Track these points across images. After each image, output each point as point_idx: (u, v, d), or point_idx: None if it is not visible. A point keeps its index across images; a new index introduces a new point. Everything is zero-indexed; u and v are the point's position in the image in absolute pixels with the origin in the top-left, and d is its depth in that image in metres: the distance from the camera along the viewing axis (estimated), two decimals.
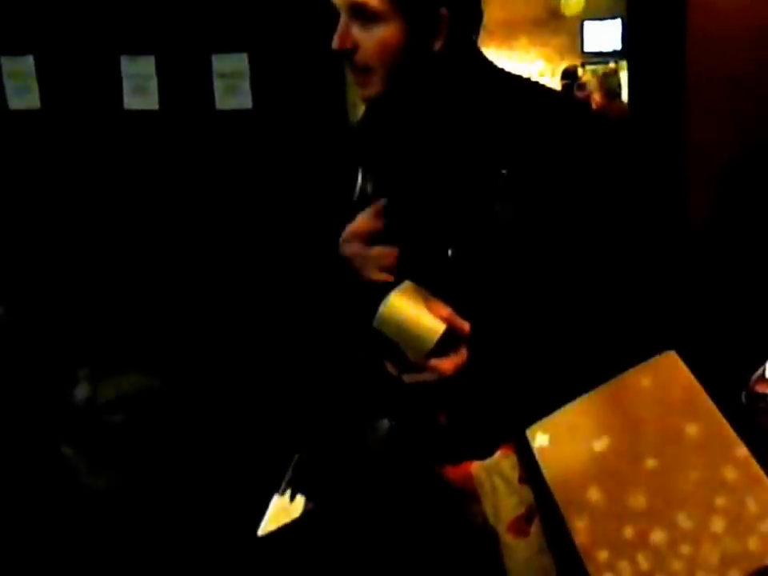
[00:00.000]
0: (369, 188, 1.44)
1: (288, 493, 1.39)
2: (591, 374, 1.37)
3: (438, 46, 1.34)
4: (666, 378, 1.13)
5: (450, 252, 1.36)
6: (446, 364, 1.28)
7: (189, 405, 1.85)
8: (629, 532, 1.02)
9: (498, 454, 1.31)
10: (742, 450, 1.00)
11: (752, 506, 0.94)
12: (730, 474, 0.99)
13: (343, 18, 1.31)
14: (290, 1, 2.97)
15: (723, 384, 2.11)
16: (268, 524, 1.40)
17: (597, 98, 7.02)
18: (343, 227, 1.46)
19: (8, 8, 3.26)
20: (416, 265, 1.39)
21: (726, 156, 2.53)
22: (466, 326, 1.30)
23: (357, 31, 1.31)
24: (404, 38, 1.32)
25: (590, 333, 1.37)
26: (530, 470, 1.30)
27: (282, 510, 1.37)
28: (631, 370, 1.20)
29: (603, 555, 1.04)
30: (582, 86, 7.12)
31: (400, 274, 1.39)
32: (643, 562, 0.99)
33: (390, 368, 1.34)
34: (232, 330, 3.02)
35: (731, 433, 1.04)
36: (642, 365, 1.19)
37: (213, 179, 3.17)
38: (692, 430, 1.02)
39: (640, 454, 1.08)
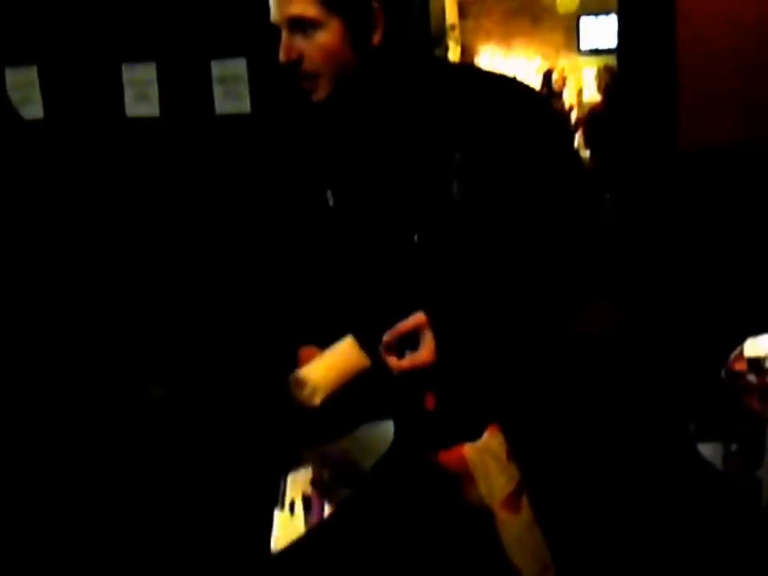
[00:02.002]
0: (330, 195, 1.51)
1: (287, 506, 1.41)
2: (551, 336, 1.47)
3: (376, 39, 1.41)
4: None
5: (415, 238, 1.43)
6: (405, 363, 1.35)
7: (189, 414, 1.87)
8: None
9: (486, 434, 1.36)
10: None
11: None
12: None
13: (284, 33, 1.39)
14: None
15: (704, 363, 2.18)
16: (278, 540, 1.41)
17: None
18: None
19: (12, 20, 3.28)
20: (383, 252, 1.47)
21: (718, 148, 2.57)
22: (421, 317, 1.36)
23: (299, 42, 1.37)
24: (344, 38, 1.39)
25: (545, 296, 1.43)
26: (515, 447, 1.37)
27: (287, 524, 1.38)
28: None
29: None
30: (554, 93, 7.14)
31: (367, 262, 1.49)
32: None
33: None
34: (230, 332, 3.04)
35: None
36: None
37: (213, 182, 3.20)
38: None
39: None
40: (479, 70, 1.57)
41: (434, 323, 1.36)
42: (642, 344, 2.70)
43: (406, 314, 1.39)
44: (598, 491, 1.66)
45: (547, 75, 7.36)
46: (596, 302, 1.50)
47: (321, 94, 1.43)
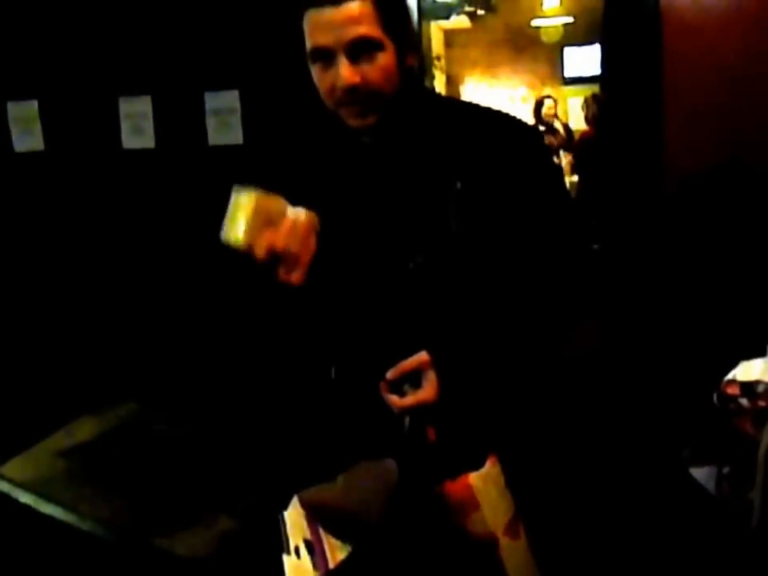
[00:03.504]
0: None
1: (293, 550, 1.36)
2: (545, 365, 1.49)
3: (411, 61, 1.45)
4: None
5: (411, 264, 1.44)
6: (408, 401, 1.36)
7: (191, 436, 1.85)
8: None
9: (488, 463, 1.36)
10: None
11: None
12: None
13: (341, 58, 1.36)
14: (279, 39, 3.03)
15: (696, 387, 2.20)
16: None
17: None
18: None
19: (14, 57, 3.33)
20: (380, 277, 1.47)
21: (703, 174, 2.60)
22: (424, 356, 1.36)
23: (361, 65, 1.37)
24: (396, 59, 1.41)
25: (538, 324, 1.45)
26: (511, 475, 1.38)
27: (297, 568, 1.33)
28: None
29: None
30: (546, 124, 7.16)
31: (363, 285, 1.48)
32: None
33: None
34: (224, 362, 3.05)
35: None
36: None
37: (206, 211, 3.19)
38: None
39: None
40: (469, 104, 1.61)
41: (437, 363, 1.36)
42: (633, 368, 2.72)
43: (402, 344, 1.40)
44: (592, 514, 1.68)
45: (538, 104, 7.39)
46: (587, 328, 1.54)
47: (373, 118, 1.42)
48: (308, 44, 1.41)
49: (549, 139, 7.13)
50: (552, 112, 7.22)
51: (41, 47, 3.31)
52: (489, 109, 1.54)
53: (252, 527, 1.48)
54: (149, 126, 3.27)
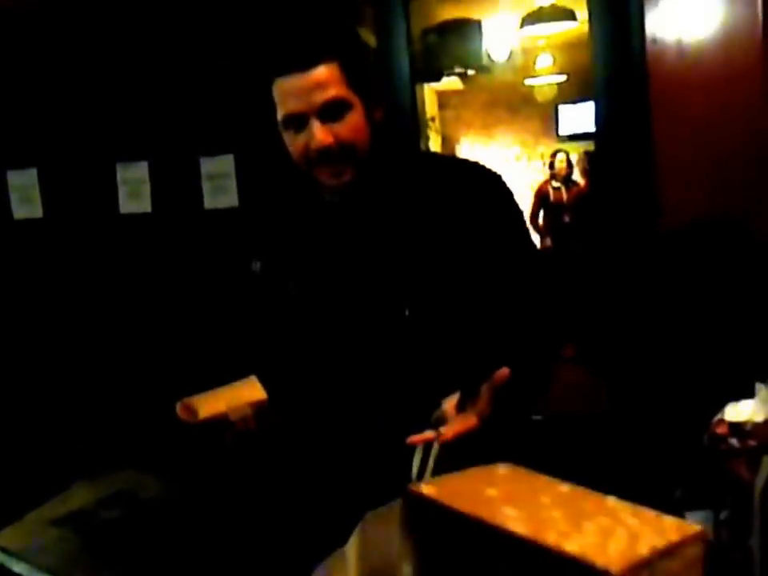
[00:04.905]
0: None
1: None
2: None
3: (378, 115, 1.49)
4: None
5: (406, 312, 1.47)
6: (446, 435, 1.31)
7: (187, 504, 1.82)
8: None
9: None
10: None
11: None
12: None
13: (313, 121, 1.40)
14: (272, 105, 3.10)
15: (688, 427, 2.19)
16: None
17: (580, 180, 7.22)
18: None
19: (13, 127, 3.40)
20: (377, 325, 1.51)
21: (695, 222, 2.59)
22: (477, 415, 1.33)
23: (331, 125, 1.41)
24: (366, 116, 1.46)
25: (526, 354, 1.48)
26: None
27: None
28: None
29: None
30: (555, 176, 7.21)
31: (361, 334, 1.51)
32: None
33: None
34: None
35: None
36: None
37: (204, 274, 3.24)
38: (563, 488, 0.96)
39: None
40: (436, 155, 1.67)
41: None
42: (626, 417, 2.72)
43: (405, 389, 1.43)
44: None
45: (552, 156, 7.46)
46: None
47: (350, 175, 1.46)
48: (280, 112, 1.45)
49: (557, 195, 7.18)
50: (563, 165, 7.28)
51: (39, 117, 3.37)
52: (455, 158, 1.61)
53: None
54: (146, 190, 3.30)
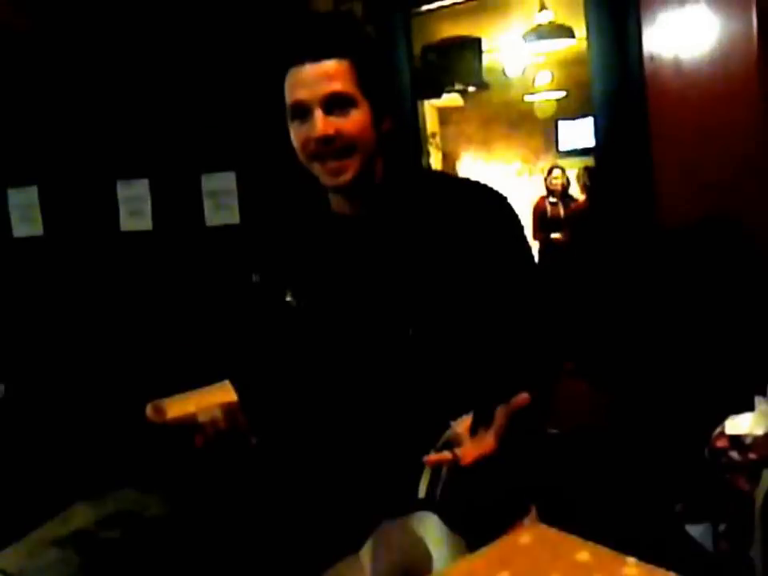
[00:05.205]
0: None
1: None
2: None
3: (386, 126, 1.51)
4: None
5: (410, 331, 1.47)
6: (468, 458, 1.31)
7: (188, 523, 1.84)
8: None
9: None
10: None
11: None
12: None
13: (317, 112, 1.42)
14: (273, 121, 3.10)
15: (688, 442, 2.19)
16: None
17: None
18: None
19: (13, 145, 3.41)
20: (379, 343, 1.50)
21: (693, 234, 2.63)
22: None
23: (335, 119, 1.43)
24: (371, 120, 1.47)
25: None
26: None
27: None
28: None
29: None
30: (555, 193, 7.22)
31: (363, 352, 1.51)
32: None
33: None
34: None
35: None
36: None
37: (205, 291, 3.25)
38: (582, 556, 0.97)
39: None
40: (447, 175, 1.68)
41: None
42: (625, 431, 2.72)
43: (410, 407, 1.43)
44: None
45: (549, 172, 7.47)
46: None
47: (349, 174, 1.47)
48: (287, 101, 1.48)
49: (554, 211, 7.19)
50: (558, 182, 7.28)
51: (39, 135, 3.39)
52: (460, 178, 1.65)
53: None
54: (146, 208, 3.31)
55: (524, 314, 1.51)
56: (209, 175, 3.24)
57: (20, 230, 3.47)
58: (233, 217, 3.23)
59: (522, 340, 1.50)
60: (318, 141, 1.44)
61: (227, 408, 1.48)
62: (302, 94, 1.44)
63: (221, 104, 3.20)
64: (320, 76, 1.43)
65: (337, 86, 1.43)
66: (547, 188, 7.31)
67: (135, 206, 3.32)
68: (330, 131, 1.43)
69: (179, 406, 1.47)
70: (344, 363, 1.55)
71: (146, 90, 3.27)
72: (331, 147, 1.45)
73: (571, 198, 7.33)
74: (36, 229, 3.44)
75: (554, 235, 6.92)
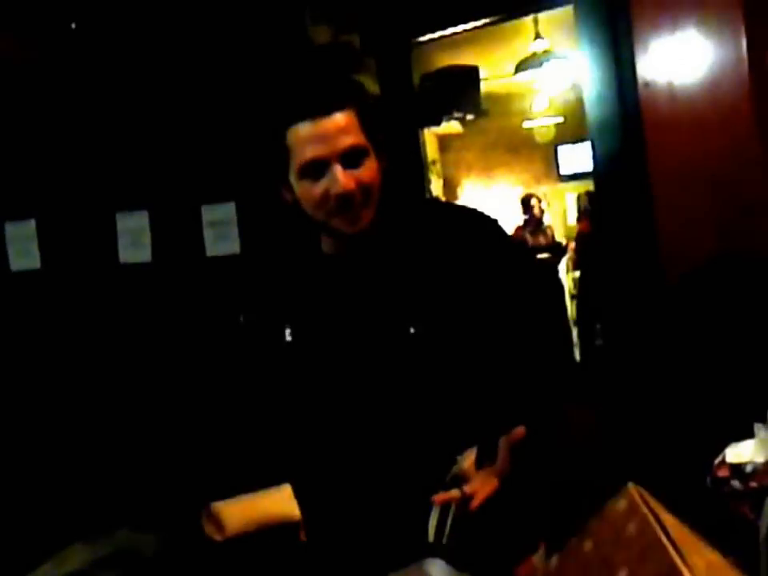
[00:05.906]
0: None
1: None
2: None
3: (384, 163, 1.52)
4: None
5: (412, 330, 1.48)
6: (476, 501, 1.31)
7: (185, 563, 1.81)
8: None
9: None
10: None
11: None
12: None
13: (337, 167, 1.42)
14: (278, 155, 3.08)
15: (690, 471, 2.17)
16: None
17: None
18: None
19: (11, 179, 3.40)
20: (383, 342, 1.52)
21: (699, 260, 2.63)
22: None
23: (352, 171, 1.43)
24: (377, 163, 1.50)
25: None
26: None
27: None
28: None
29: None
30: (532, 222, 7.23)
31: (367, 350, 1.52)
32: None
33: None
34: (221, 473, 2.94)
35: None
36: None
37: (204, 323, 3.23)
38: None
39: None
40: (443, 202, 1.71)
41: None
42: (629, 452, 2.71)
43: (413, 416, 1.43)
44: None
45: (525, 201, 7.52)
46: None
47: (366, 220, 1.48)
48: (298, 158, 1.45)
49: (536, 239, 7.22)
50: (537, 210, 7.33)
51: (37, 168, 3.38)
52: (454, 204, 1.72)
53: None
54: (146, 240, 3.30)
55: (525, 336, 1.51)
56: (209, 206, 3.23)
57: (17, 263, 3.45)
58: (233, 247, 3.22)
59: (525, 364, 1.50)
60: (340, 196, 1.43)
61: (289, 525, 1.43)
62: (319, 151, 1.42)
63: (220, 135, 3.21)
64: (334, 130, 1.42)
65: (352, 138, 1.43)
66: (533, 216, 7.34)
67: (134, 237, 3.31)
68: (352, 186, 1.43)
69: (238, 519, 1.40)
70: (346, 403, 1.55)
71: (146, 121, 3.27)
72: (353, 200, 1.44)
73: (548, 227, 7.40)
74: (34, 262, 3.42)
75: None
